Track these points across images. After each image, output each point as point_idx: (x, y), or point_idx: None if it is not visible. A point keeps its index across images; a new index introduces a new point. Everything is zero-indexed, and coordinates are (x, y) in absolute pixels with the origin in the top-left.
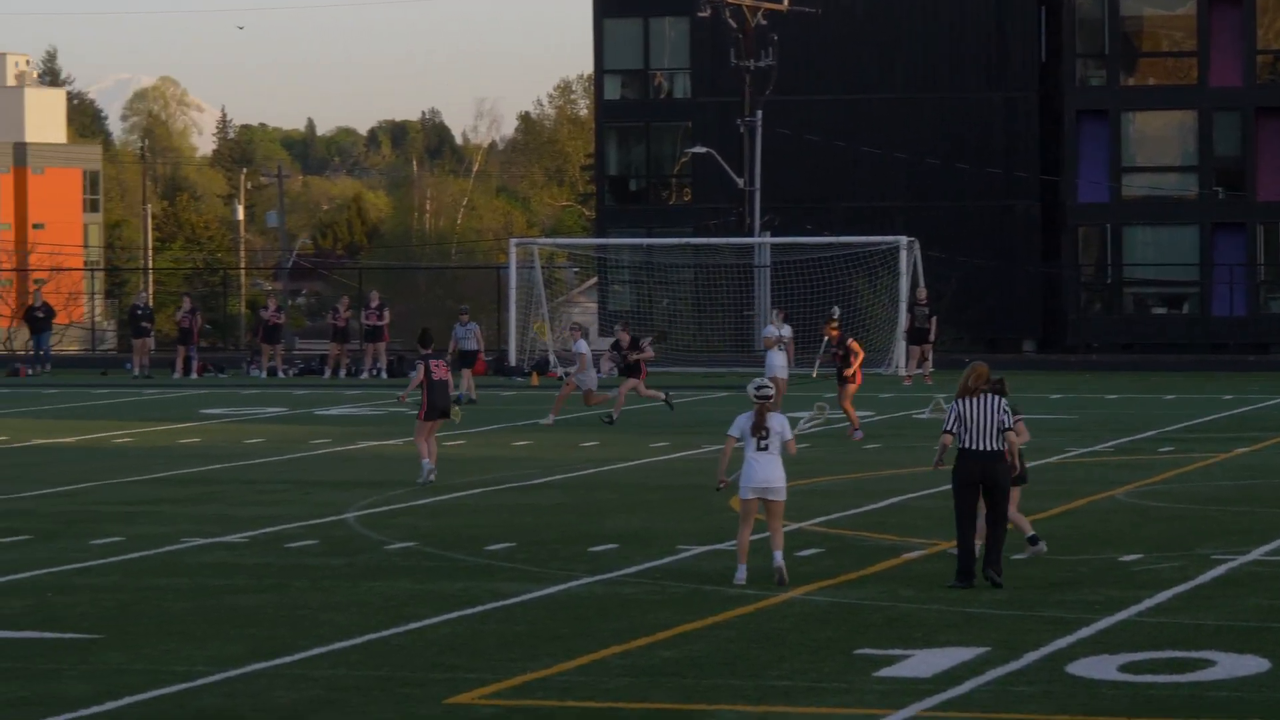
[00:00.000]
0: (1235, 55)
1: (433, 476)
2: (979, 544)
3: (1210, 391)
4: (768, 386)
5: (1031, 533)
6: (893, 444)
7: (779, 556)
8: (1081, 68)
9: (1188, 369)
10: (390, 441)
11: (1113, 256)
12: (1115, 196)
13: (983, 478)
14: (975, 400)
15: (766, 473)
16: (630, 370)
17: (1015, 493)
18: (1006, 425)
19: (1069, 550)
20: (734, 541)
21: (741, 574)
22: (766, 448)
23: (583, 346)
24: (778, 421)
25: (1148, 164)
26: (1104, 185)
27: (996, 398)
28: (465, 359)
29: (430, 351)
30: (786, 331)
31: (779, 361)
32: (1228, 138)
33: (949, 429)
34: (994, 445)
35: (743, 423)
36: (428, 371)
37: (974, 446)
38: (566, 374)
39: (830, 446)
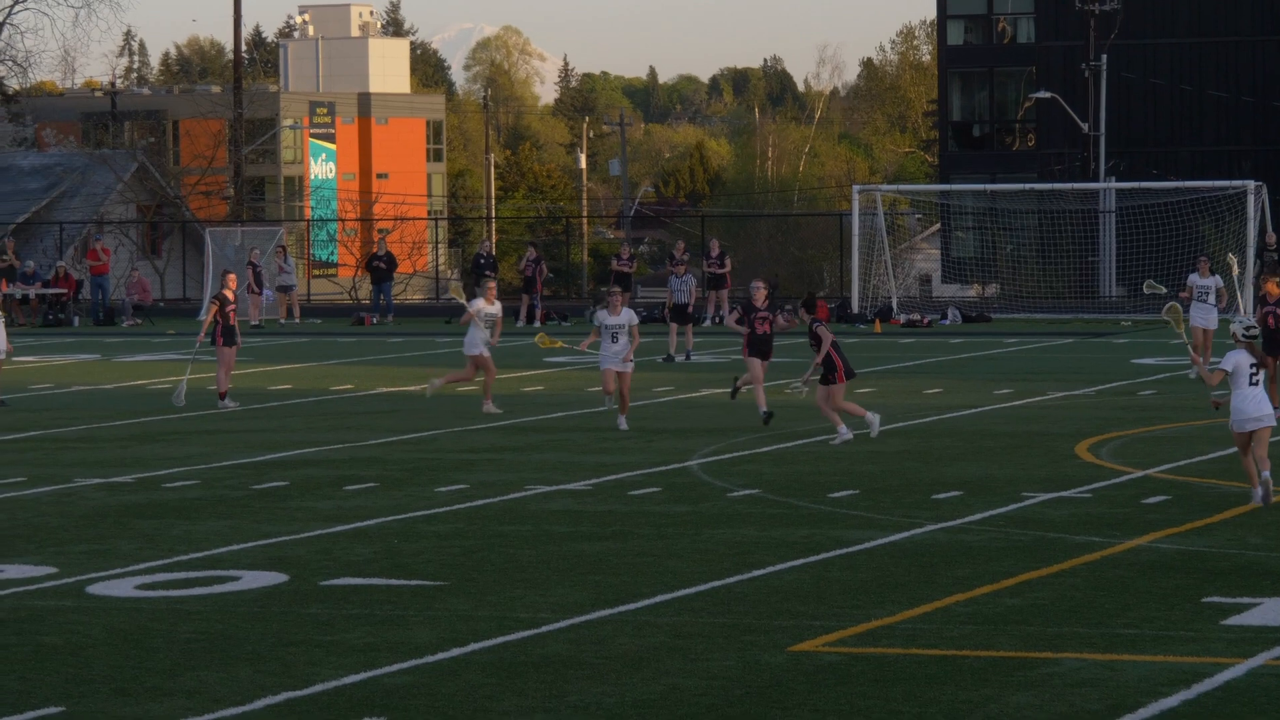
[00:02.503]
0: None
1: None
2: None
3: None
4: (1254, 326)
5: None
6: None
7: (1267, 474)
8: None
9: None
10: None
11: None
12: None
13: None
14: None
15: (1260, 407)
16: None
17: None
18: None
19: None
20: (1079, 489)
21: (1258, 495)
22: (1258, 383)
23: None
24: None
25: None
26: None
27: None
28: (678, 314)
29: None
30: (1214, 281)
31: (1200, 313)
32: None
33: None
34: None
35: (1235, 358)
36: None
37: None
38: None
39: (1175, 392)
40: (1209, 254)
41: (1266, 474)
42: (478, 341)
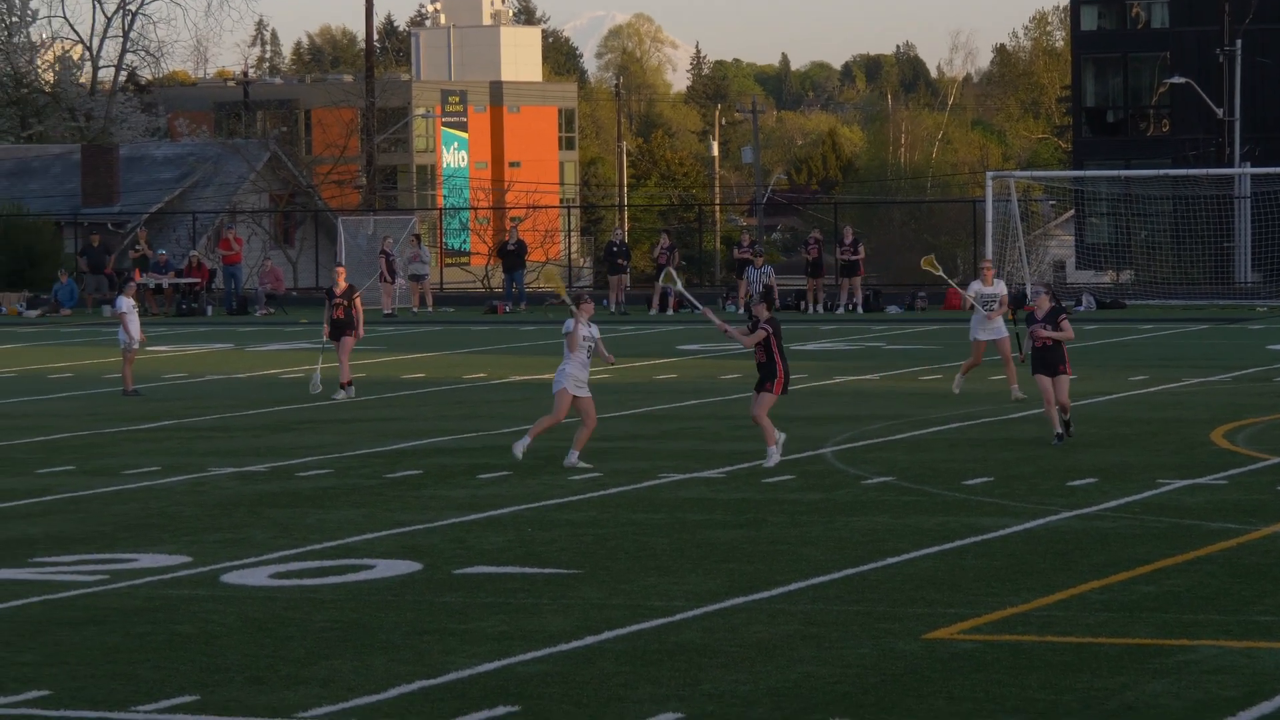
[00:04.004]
0: None
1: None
2: None
3: None
4: None
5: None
6: None
7: None
8: None
9: None
10: (867, 377)
11: None
12: None
13: None
14: None
15: None
16: None
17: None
18: None
19: None
20: (1215, 475)
21: None
22: None
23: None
24: None
25: None
26: None
27: None
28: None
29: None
30: None
31: None
32: None
33: None
34: None
35: None
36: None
37: None
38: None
39: None
40: None
41: None
42: (980, 325)
